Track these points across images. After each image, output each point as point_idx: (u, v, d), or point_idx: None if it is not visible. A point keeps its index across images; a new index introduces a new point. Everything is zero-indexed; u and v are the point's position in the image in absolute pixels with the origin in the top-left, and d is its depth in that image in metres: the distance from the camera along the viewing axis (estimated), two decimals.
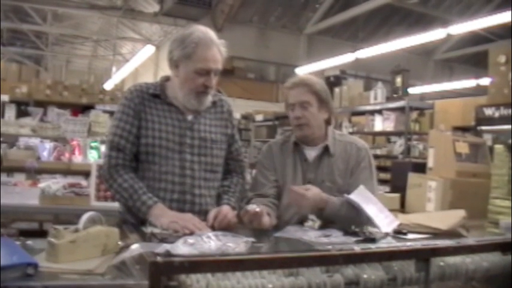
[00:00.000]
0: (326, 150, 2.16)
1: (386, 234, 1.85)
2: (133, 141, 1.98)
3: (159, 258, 1.25)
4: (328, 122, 2.21)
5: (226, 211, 1.93)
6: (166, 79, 2.09)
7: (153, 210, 1.87)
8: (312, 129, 2.15)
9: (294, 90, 2.15)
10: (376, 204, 1.95)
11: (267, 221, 1.92)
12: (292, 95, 2.15)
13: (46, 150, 4.29)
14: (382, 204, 1.98)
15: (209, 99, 2.07)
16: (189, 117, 2.04)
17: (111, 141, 1.99)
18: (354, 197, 1.93)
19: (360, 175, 2.13)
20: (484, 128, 5.78)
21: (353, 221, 1.89)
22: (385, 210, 1.96)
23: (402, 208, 3.23)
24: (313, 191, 1.96)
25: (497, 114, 5.56)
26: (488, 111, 5.67)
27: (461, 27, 8.59)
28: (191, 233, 1.65)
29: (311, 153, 2.17)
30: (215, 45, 1.97)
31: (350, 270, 1.57)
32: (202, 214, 1.97)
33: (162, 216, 1.85)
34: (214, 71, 1.97)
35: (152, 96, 2.03)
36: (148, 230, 1.79)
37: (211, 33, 1.99)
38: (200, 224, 1.80)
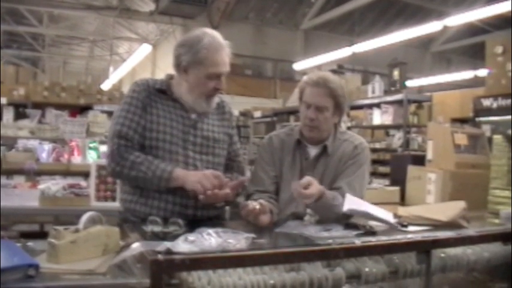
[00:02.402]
0: (325, 149, 2.14)
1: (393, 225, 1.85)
2: (141, 133, 1.97)
3: (160, 256, 1.26)
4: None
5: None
6: (171, 77, 2.10)
7: (175, 173, 1.90)
8: (321, 132, 2.12)
9: (314, 89, 2.06)
10: (368, 204, 1.92)
11: (265, 219, 1.90)
12: (311, 94, 2.07)
13: (45, 151, 4.30)
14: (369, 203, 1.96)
15: (216, 100, 2.10)
16: (193, 116, 2.06)
17: (119, 130, 1.95)
18: (349, 205, 1.82)
19: (346, 170, 2.09)
20: (482, 119, 5.77)
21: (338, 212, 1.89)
22: (376, 207, 1.94)
23: (402, 201, 3.23)
24: (315, 187, 1.89)
25: (495, 105, 5.56)
26: (486, 102, 5.67)
27: (457, 19, 8.59)
28: (191, 232, 1.65)
29: (312, 151, 2.16)
30: (224, 48, 1.99)
31: (351, 264, 1.58)
32: (205, 209, 1.99)
33: (187, 176, 1.91)
34: (224, 73, 2.01)
35: (158, 92, 2.04)
36: (149, 228, 1.79)
37: (219, 37, 2.01)
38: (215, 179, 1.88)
